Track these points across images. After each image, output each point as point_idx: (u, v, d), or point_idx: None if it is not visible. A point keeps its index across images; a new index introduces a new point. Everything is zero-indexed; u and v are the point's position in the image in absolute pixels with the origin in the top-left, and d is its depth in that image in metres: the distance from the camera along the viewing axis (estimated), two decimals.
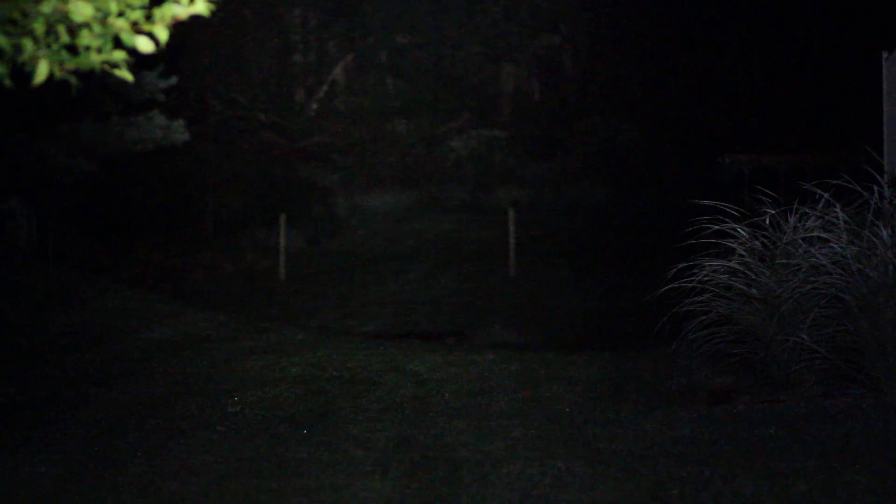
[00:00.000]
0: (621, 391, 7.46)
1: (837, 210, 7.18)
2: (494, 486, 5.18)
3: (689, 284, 7.49)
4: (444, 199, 28.64)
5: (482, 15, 30.75)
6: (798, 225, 7.32)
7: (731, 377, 7.45)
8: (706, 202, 9.28)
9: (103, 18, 3.58)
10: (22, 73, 3.63)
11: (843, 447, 5.59)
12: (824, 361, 7.02)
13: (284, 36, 27.73)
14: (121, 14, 3.60)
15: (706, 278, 7.42)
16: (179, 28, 3.78)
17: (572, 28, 32.19)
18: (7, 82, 3.63)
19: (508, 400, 7.27)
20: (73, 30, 3.60)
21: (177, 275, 20.13)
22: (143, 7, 3.62)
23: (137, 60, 3.77)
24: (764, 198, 7.53)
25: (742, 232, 7.45)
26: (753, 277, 7.28)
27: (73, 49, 3.63)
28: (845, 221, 7.09)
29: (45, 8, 3.51)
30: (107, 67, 3.65)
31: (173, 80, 17.82)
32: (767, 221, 7.42)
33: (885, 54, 9.05)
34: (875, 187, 7.29)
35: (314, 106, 29.76)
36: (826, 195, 7.35)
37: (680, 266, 7.60)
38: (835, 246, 7.01)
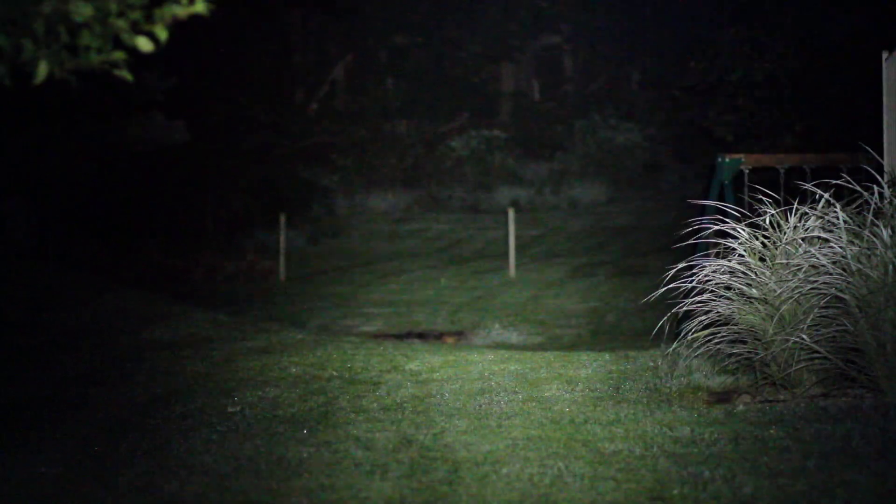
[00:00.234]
0: (621, 391, 7.46)
1: (837, 210, 7.18)
2: (494, 486, 5.19)
3: (689, 284, 7.50)
4: (444, 199, 28.65)
5: (482, 15, 30.75)
6: (798, 225, 7.33)
7: (731, 377, 7.45)
8: (706, 202, 9.28)
9: (103, 18, 3.58)
10: (22, 73, 3.63)
11: (843, 447, 5.59)
12: (824, 361, 7.02)
13: (285, 36, 27.73)
14: (121, 14, 3.60)
15: (706, 278, 7.42)
16: (180, 28, 3.78)
17: (572, 28, 32.20)
18: (7, 82, 3.63)
19: (508, 400, 7.27)
20: (73, 30, 3.60)
21: (177, 275, 20.14)
22: (143, 7, 3.62)
23: (137, 60, 3.77)
24: (764, 198, 7.53)
25: (742, 232, 7.45)
26: (753, 277, 7.28)
27: (73, 49, 3.63)
28: (845, 221, 7.09)
29: (45, 8, 3.51)
30: (107, 67, 3.65)
31: (173, 80, 17.82)
32: (767, 221, 7.42)
33: (885, 54, 9.05)
34: (875, 187, 7.29)
35: (314, 106, 29.77)
36: (826, 195, 7.35)
37: (680, 266, 7.60)
38: (835, 246, 7.01)
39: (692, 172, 27.51)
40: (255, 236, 23.16)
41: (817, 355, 7.00)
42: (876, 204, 7.20)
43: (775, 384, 7.18)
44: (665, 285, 7.59)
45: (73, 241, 20.43)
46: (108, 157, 18.79)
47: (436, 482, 5.29)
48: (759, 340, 7.22)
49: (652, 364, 8.24)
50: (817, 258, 6.99)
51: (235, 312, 14.50)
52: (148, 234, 21.61)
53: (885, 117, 9.07)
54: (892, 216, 7.08)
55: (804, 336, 6.94)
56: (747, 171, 10.90)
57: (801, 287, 7.03)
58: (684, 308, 7.57)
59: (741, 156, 11.26)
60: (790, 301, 7.04)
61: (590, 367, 8.55)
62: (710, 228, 7.82)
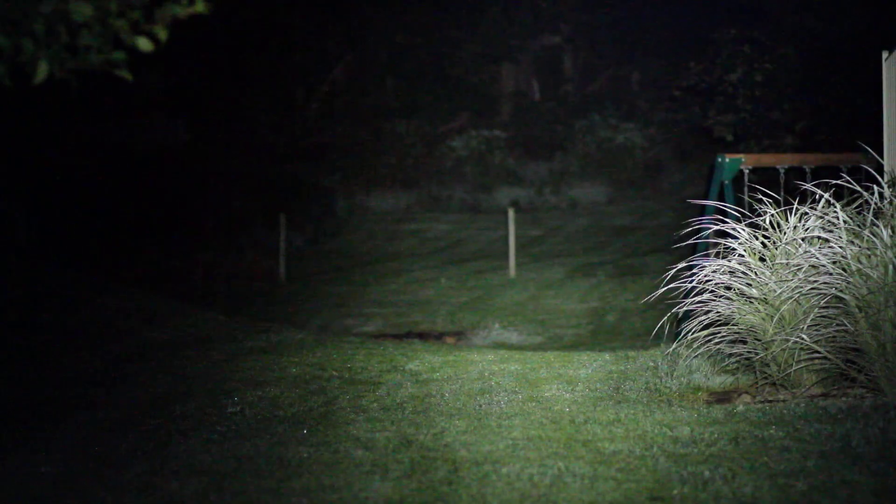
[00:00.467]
0: (621, 391, 7.46)
1: (837, 210, 7.18)
2: (494, 486, 5.19)
3: (689, 284, 7.50)
4: (444, 199, 28.64)
5: (482, 15, 30.73)
6: (798, 225, 7.33)
7: (731, 377, 7.46)
8: (706, 202, 9.29)
9: (103, 18, 3.58)
10: (22, 73, 3.63)
11: (843, 447, 5.59)
12: (824, 361, 7.02)
13: (285, 36, 27.72)
14: (121, 14, 3.60)
15: (706, 278, 7.43)
16: (180, 28, 3.78)
17: (572, 28, 32.19)
18: (7, 82, 3.63)
19: (508, 400, 7.27)
20: (73, 30, 3.60)
21: (177, 275, 20.14)
22: (143, 7, 3.62)
23: (137, 60, 3.77)
24: (764, 198, 7.54)
25: (742, 232, 7.46)
26: (753, 277, 7.28)
27: (73, 49, 3.63)
28: (845, 221, 7.09)
29: (45, 8, 3.51)
30: (107, 67, 3.65)
31: (173, 80, 17.83)
32: (767, 221, 7.43)
33: (885, 54, 9.05)
34: (875, 187, 7.30)
35: (314, 106, 29.75)
36: (826, 195, 7.35)
37: (680, 266, 7.61)
38: (835, 246, 7.01)
39: (692, 172, 27.51)
40: (255, 236, 23.15)
41: (817, 355, 7.00)
42: (876, 204, 7.20)
43: (775, 384, 7.19)
44: (665, 285, 7.59)
45: (73, 241, 20.44)
46: (108, 157, 18.80)
47: (436, 482, 5.29)
48: (759, 340, 7.23)
49: (652, 364, 8.23)
50: (817, 258, 6.99)
51: (235, 312, 14.50)
52: (148, 234, 21.61)
53: (885, 117, 9.07)
54: (892, 216, 7.09)
55: (804, 336, 6.94)
56: (747, 171, 10.90)
57: (801, 287, 7.03)
58: (684, 308, 7.57)
59: (741, 156, 11.26)
60: (790, 301, 7.05)
61: (590, 367, 8.55)
62: (709, 228, 7.83)
